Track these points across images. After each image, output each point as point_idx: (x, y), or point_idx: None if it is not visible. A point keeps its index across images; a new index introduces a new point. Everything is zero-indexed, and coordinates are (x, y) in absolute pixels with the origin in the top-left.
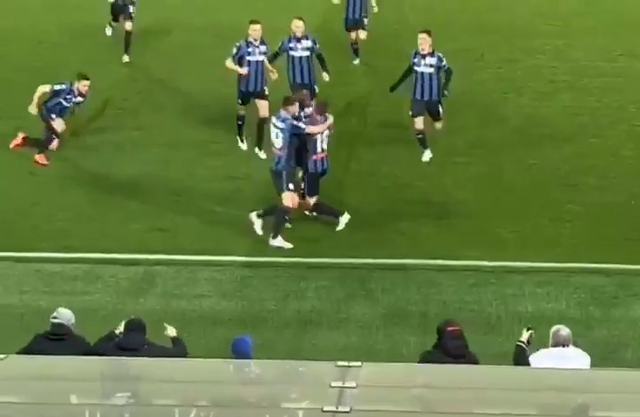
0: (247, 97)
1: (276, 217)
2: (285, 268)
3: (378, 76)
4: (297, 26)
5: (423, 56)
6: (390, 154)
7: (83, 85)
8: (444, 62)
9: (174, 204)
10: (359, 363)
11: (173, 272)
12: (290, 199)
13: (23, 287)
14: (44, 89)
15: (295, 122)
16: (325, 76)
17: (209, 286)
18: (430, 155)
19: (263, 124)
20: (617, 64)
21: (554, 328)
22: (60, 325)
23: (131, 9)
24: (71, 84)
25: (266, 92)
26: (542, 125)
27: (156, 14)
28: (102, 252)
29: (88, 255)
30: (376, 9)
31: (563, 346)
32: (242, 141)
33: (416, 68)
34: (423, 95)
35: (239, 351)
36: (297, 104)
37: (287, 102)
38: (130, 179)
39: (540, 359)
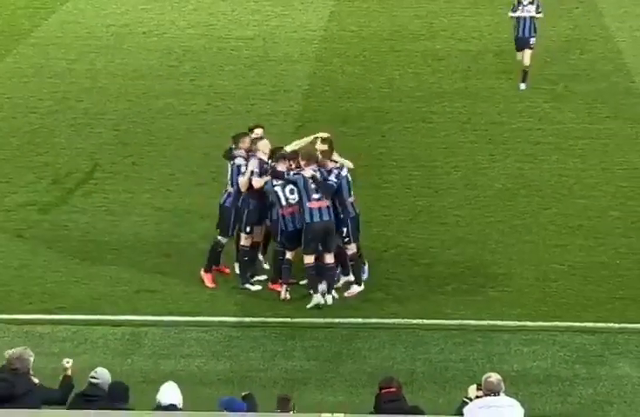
0: None
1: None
2: (273, 327)
3: None
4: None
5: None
6: (378, 215)
7: None
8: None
9: (163, 265)
10: (342, 415)
11: (161, 332)
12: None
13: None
14: None
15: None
16: None
17: (197, 346)
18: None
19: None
20: (603, 126)
21: (485, 375)
22: (95, 385)
23: None
24: None
25: None
26: (528, 186)
27: (145, 77)
28: (90, 313)
29: (77, 317)
30: None
31: (494, 394)
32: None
33: None
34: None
35: (233, 408)
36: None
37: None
38: (119, 241)
39: (473, 410)
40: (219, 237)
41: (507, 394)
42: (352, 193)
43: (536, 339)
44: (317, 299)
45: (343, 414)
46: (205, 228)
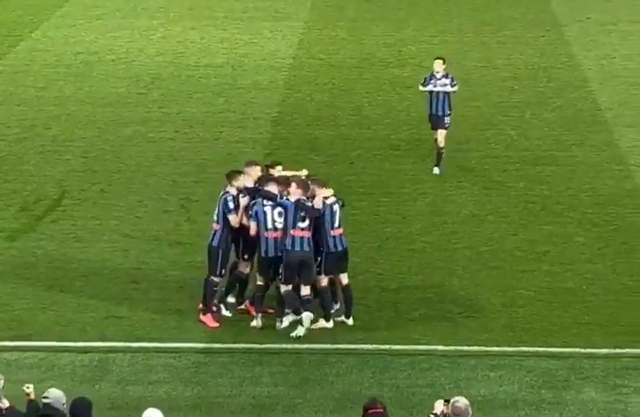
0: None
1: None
2: (241, 353)
3: None
4: None
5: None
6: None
7: None
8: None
9: (131, 292)
10: None
11: (129, 359)
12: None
13: None
14: None
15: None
16: None
17: (165, 372)
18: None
19: None
20: (569, 153)
21: (453, 399)
22: (48, 405)
23: None
24: None
25: None
26: (495, 212)
27: (114, 105)
28: (58, 340)
29: (44, 343)
30: None
31: None
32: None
33: None
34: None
35: None
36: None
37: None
38: (87, 267)
39: None
40: (212, 277)
41: None
42: (340, 225)
43: (502, 364)
44: (300, 330)
45: None
46: (174, 255)
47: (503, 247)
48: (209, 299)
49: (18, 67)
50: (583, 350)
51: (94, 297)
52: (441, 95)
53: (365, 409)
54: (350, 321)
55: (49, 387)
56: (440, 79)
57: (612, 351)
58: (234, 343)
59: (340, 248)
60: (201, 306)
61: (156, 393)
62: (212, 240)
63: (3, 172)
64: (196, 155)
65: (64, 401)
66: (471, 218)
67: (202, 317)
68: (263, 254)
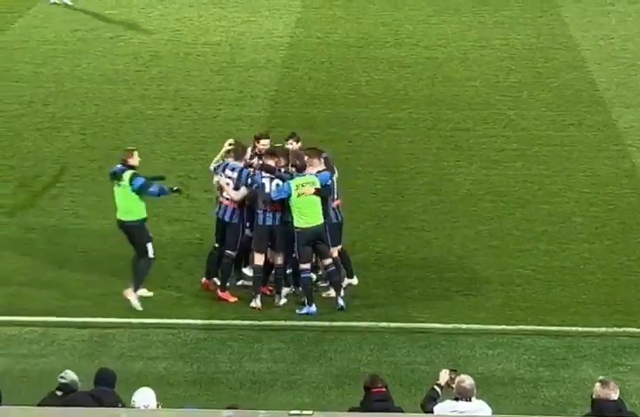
0: None
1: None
2: (239, 330)
3: None
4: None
5: None
6: (344, 220)
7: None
8: None
9: (130, 268)
10: (310, 412)
11: (128, 334)
12: None
13: None
14: None
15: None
16: None
17: (164, 348)
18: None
19: None
20: (567, 134)
21: (459, 378)
22: (66, 384)
23: None
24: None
25: None
26: (493, 192)
27: (112, 82)
28: (57, 315)
29: (43, 319)
30: None
31: (466, 399)
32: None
33: None
34: None
35: None
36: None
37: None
38: (86, 244)
39: (444, 413)
40: (228, 251)
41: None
42: (337, 196)
43: (500, 342)
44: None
45: (311, 412)
46: (173, 232)
47: (501, 226)
48: (226, 274)
49: (16, 43)
50: (580, 329)
51: (93, 273)
52: None
53: (367, 388)
54: (355, 281)
55: (48, 362)
56: None
57: (609, 330)
58: (233, 320)
59: (340, 219)
60: (216, 282)
61: (156, 369)
62: (231, 216)
63: (2, 148)
64: (195, 132)
65: (79, 382)
66: (469, 197)
67: (220, 294)
68: (260, 223)
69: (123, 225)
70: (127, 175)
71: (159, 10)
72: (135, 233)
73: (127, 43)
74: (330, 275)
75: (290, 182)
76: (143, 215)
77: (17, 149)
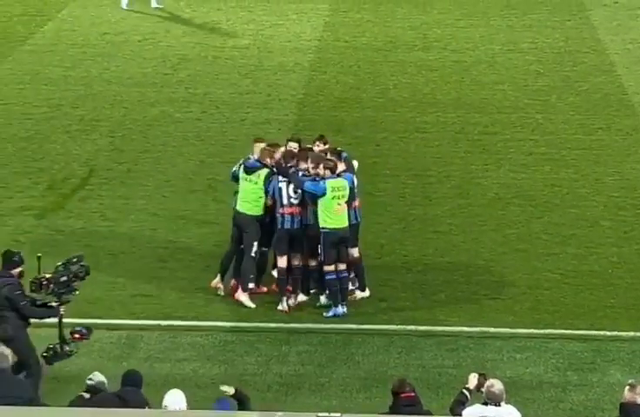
0: None
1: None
2: (267, 333)
3: None
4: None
5: None
6: (371, 223)
7: None
8: None
9: (159, 270)
10: (338, 414)
11: (156, 337)
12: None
13: None
14: None
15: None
16: None
17: (192, 350)
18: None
19: None
20: (595, 137)
21: (488, 383)
22: (93, 386)
23: None
24: None
25: None
26: (521, 196)
27: (140, 85)
28: (86, 317)
29: (72, 320)
30: None
31: (495, 404)
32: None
33: None
34: None
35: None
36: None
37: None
38: (115, 246)
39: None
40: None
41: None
42: (355, 197)
43: (528, 346)
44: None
45: (339, 414)
46: (201, 234)
47: (529, 229)
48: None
49: (45, 47)
50: (609, 333)
51: (122, 275)
52: None
53: (395, 393)
54: (367, 293)
55: (76, 363)
56: None
57: (638, 334)
58: (261, 322)
59: (359, 220)
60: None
61: (184, 371)
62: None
63: (31, 151)
64: (223, 135)
65: (106, 384)
66: (497, 201)
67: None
68: (279, 226)
69: (241, 217)
70: (263, 173)
71: (188, 14)
72: (250, 228)
73: (155, 47)
74: (340, 280)
75: (326, 182)
76: (262, 212)
77: (46, 152)
